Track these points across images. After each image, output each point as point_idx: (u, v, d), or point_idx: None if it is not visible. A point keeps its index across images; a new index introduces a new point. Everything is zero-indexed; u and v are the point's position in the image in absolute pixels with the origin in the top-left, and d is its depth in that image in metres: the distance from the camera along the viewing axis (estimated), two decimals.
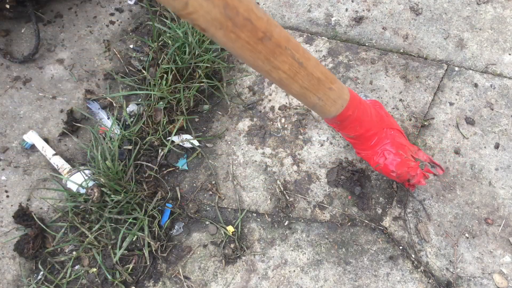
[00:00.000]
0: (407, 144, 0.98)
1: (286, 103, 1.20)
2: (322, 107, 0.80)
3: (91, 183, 1.07)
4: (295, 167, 1.13)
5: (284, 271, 1.02)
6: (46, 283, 1.03)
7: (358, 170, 1.10)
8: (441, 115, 1.15)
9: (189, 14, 0.54)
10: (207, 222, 1.09)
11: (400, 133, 0.99)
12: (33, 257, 1.06)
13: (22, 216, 1.09)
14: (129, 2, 1.39)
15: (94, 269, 1.05)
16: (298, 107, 1.19)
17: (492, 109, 1.14)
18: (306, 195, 1.09)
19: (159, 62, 1.20)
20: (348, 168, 1.10)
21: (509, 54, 1.21)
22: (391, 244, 1.03)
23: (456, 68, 1.20)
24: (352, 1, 1.32)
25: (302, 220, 1.07)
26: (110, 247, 1.05)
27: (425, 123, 1.14)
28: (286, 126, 1.18)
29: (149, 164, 1.13)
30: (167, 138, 1.16)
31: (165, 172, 1.15)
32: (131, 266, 1.04)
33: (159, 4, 1.34)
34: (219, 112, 1.21)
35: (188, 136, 1.17)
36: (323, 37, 1.28)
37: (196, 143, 1.16)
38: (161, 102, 1.16)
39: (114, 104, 1.21)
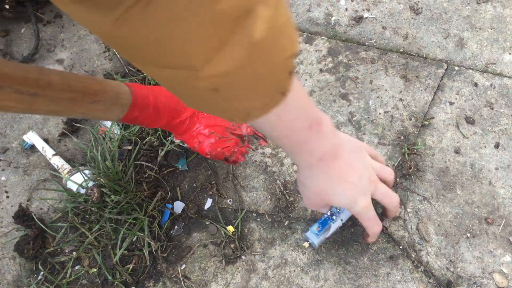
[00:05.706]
0: (222, 124, 0.98)
1: None
2: (94, 117, 0.78)
3: (91, 183, 1.07)
4: (295, 167, 1.12)
5: (284, 271, 1.02)
6: (46, 284, 1.04)
7: None
8: (441, 114, 1.15)
9: None
10: (207, 222, 1.09)
11: None
12: (33, 257, 1.06)
13: (22, 216, 1.09)
14: None
15: (94, 270, 1.05)
16: None
17: (492, 109, 1.14)
18: None
19: None
20: None
21: (509, 54, 1.20)
22: (391, 244, 1.03)
23: (456, 68, 1.20)
24: (352, 1, 1.32)
25: (302, 220, 1.07)
26: (110, 247, 1.05)
27: (425, 122, 1.13)
28: None
29: (149, 164, 1.13)
30: (167, 138, 1.16)
31: (165, 172, 1.15)
32: (131, 266, 1.04)
33: None
34: None
35: None
36: (323, 37, 1.28)
37: None
38: None
39: None
